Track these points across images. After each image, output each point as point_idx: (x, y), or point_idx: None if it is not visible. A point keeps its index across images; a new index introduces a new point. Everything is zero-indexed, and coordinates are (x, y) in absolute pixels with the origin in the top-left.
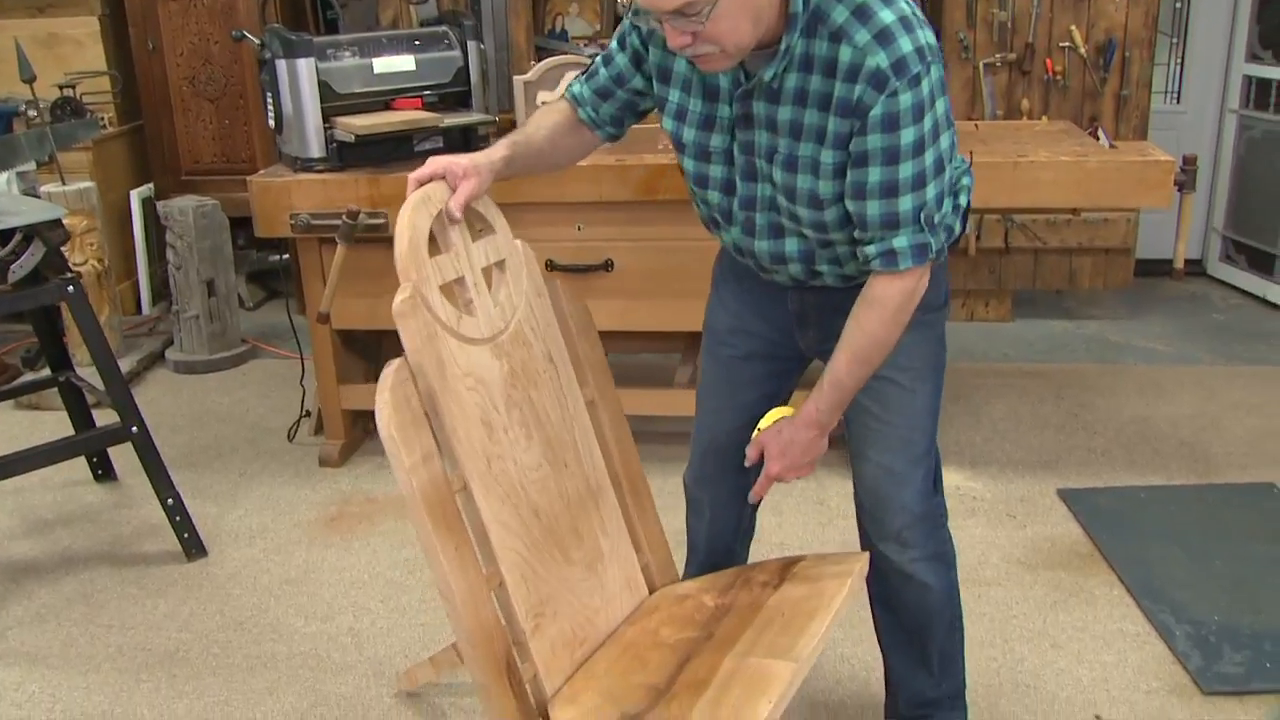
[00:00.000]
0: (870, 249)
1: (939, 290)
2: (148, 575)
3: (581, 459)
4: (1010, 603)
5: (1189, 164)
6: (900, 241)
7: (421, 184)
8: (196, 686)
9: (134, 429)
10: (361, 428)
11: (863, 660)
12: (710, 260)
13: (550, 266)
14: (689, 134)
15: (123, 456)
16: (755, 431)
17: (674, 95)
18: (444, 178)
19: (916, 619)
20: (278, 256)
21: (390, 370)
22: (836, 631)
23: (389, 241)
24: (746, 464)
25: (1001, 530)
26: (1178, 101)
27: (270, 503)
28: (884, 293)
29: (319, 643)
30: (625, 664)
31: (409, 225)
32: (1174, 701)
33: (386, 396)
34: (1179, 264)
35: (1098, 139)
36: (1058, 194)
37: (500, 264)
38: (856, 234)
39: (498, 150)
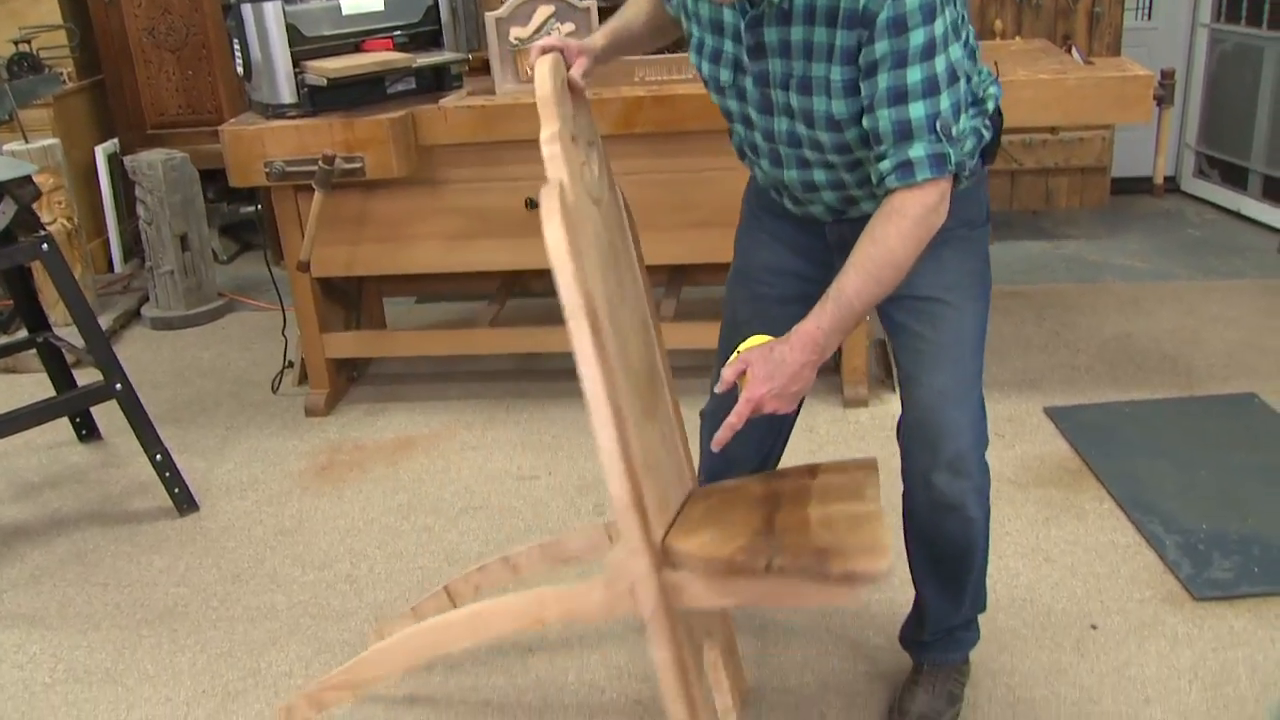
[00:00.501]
0: (885, 164)
1: (980, 205)
2: (140, 532)
3: (650, 338)
4: (1003, 520)
5: (1167, 78)
6: (916, 151)
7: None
8: (198, 640)
9: (118, 386)
10: (345, 376)
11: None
12: (693, 192)
13: (530, 205)
14: (705, 68)
15: (105, 415)
16: (735, 352)
17: (694, 29)
18: (561, 52)
19: (958, 552)
20: (250, 208)
21: (547, 192)
22: None
23: (366, 186)
24: (719, 388)
25: (991, 450)
26: (1149, 17)
27: (259, 455)
28: (901, 204)
29: (318, 591)
30: (718, 515)
31: (551, 73)
32: (1167, 609)
33: (554, 208)
34: (1159, 180)
35: (1073, 56)
36: (1039, 113)
37: (592, 143)
38: (873, 153)
39: (597, 38)
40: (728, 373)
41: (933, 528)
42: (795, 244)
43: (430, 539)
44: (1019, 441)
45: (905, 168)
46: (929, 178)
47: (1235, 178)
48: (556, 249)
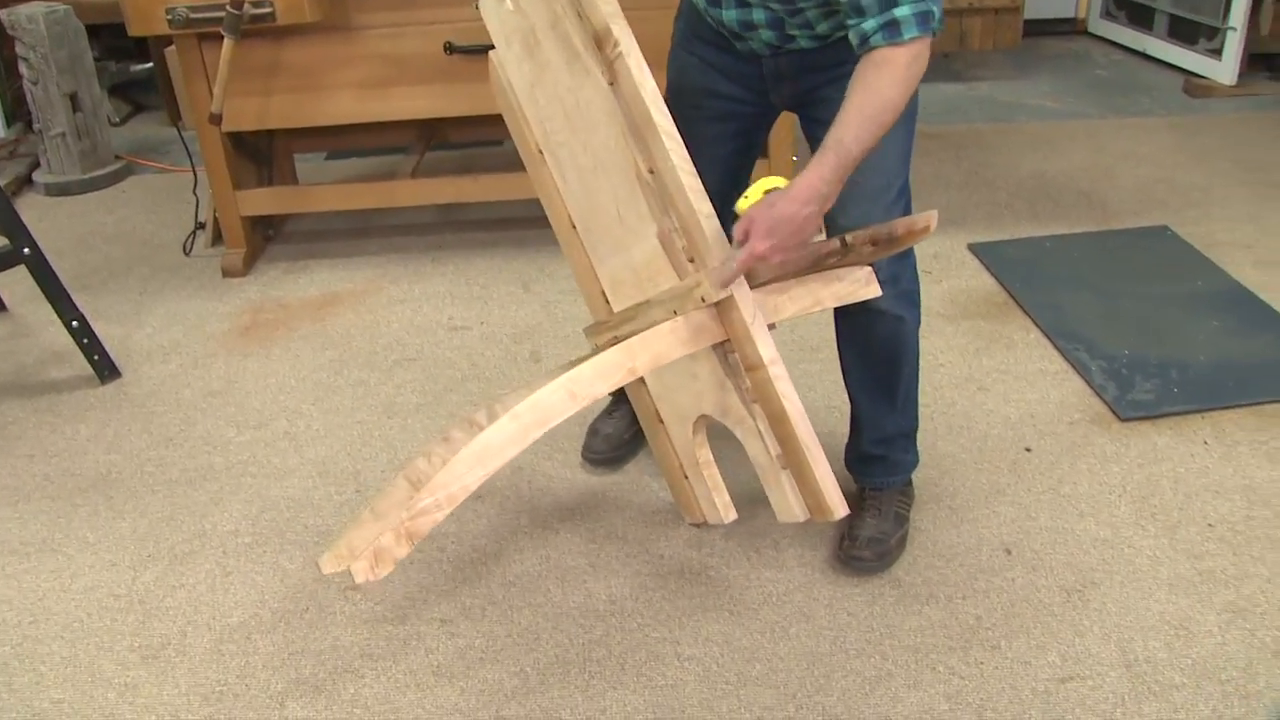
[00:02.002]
0: (869, 23)
1: None
2: (61, 402)
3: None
4: (936, 352)
5: None
6: (902, 10)
7: None
8: (137, 505)
9: (26, 250)
10: (261, 235)
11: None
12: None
13: (449, 50)
14: None
15: (7, 286)
16: (738, 208)
17: None
18: None
19: (888, 354)
20: (142, 66)
21: None
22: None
23: (277, 34)
24: (734, 246)
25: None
26: None
27: (177, 318)
28: (891, 55)
29: (256, 450)
30: None
31: None
32: (1095, 430)
33: None
34: (1083, 13)
35: None
36: None
37: None
38: (850, 20)
39: None
40: (738, 230)
41: (864, 331)
42: (730, 70)
43: (366, 393)
44: (946, 277)
45: (891, 27)
46: (915, 35)
47: (1141, 18)
48: None
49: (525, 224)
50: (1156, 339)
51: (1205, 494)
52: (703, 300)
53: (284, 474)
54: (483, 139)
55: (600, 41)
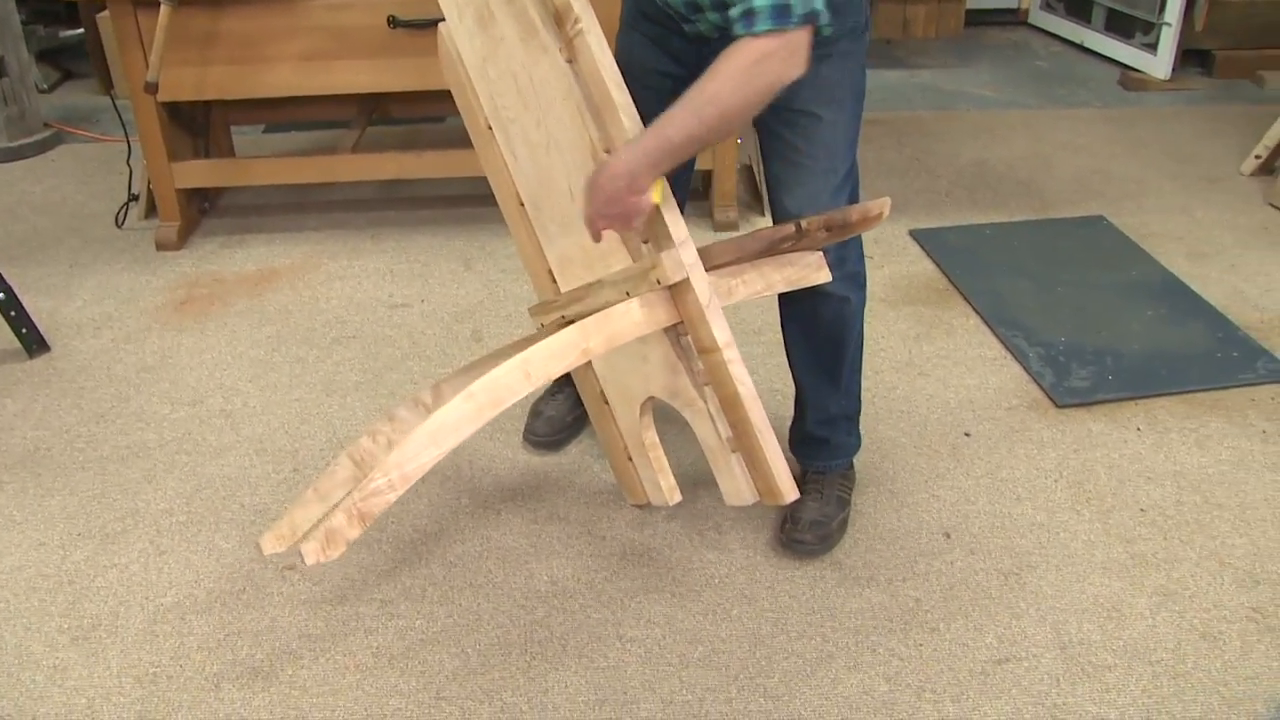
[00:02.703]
0: (734, 10)
1: (858, 14)
2: None
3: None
4: (877, 337)
5: None
6: (759, 0)
7: None
8: (66, 483)
9: None
10: (196, 208)
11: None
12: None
13: (393, 24)
14: None
15: None
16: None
17: None
18: None
19: (833, 334)
20: (72, 31)
21: None
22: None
23: (217, 1)
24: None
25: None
26: None
27: (109, 292)
28: (741, 46)
29: (191, 427)
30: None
31: None
32: (1033, 415)
33: None
34: (1024, 4)
35: None
36: None
37: None
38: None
39: None
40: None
41: (810, 311)
42: (678, 52)
43: (304, 370)
44: (888, 262)
45: (748, 16)
46: (769, 28)
47: (1079, 11)
48: None
49: (467, 201)
50: (1092, 327)
51: (1138, 480)
52: (658, 282)
53: (220, 451)
54: (425, 114)
55: (560, 18)
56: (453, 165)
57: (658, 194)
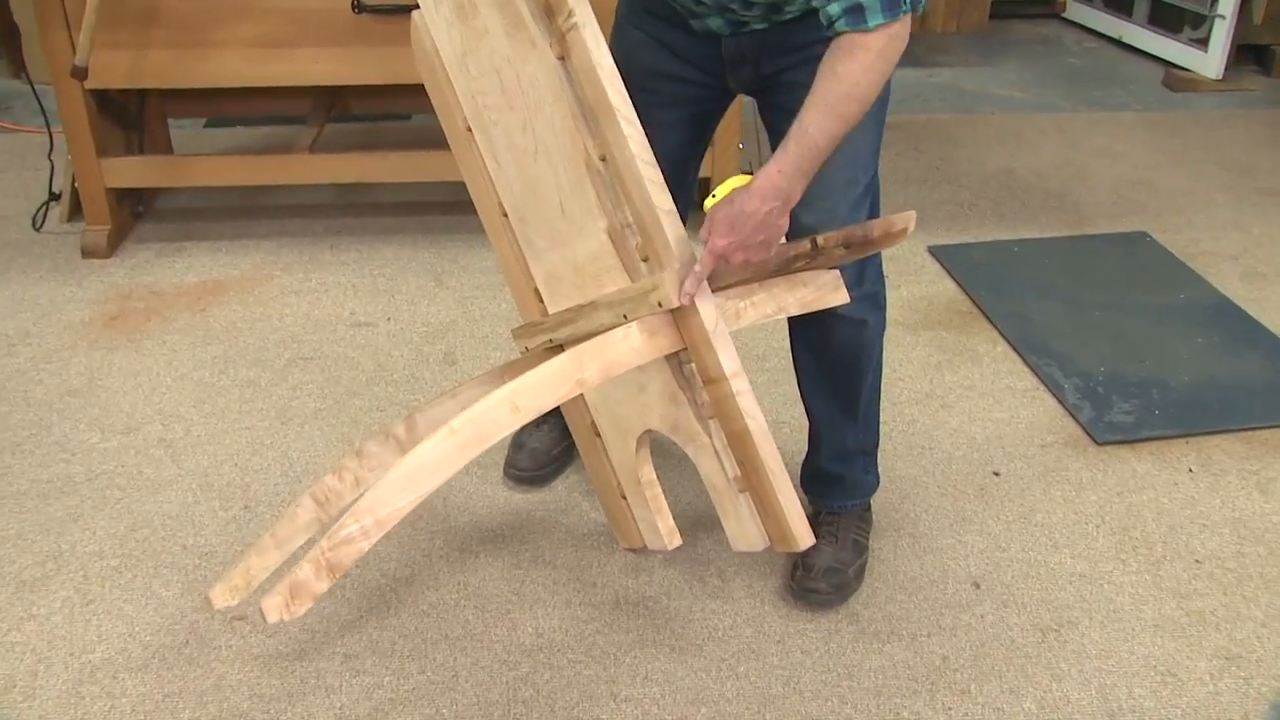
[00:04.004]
0: (833, 8)
1: None
2: None
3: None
4: (894, 365)
5: None
6: None
7: None
8: None
9: None
10: (129, 210)
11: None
12: None
13: (358, 8)
14: None
15: None
16: (706, 207)
17: None
18: None
19: (849, 361)
20: None
21: None
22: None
23: None
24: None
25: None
26: None
27: (27, 304)
28: (859, 40)
29: (125, 458)
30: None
31: None
32: (1069, 454)
33: None
34: None
35: None
36: None
37: None
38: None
39: None
40: (703, 234)
41: (823, 335)
42: (684, 50)
43: (256, 395)
44: (905, 282)
45: (855, 13)
46: (881, 23)
47: (1120, 3)
48: None
49: (438, 209)
50: (1135, 355)
51: (1191, 527)
52: (659, 305)
53: (158, 486)
54: (390, 111)
55: (551, 10)
56: (422, 168)
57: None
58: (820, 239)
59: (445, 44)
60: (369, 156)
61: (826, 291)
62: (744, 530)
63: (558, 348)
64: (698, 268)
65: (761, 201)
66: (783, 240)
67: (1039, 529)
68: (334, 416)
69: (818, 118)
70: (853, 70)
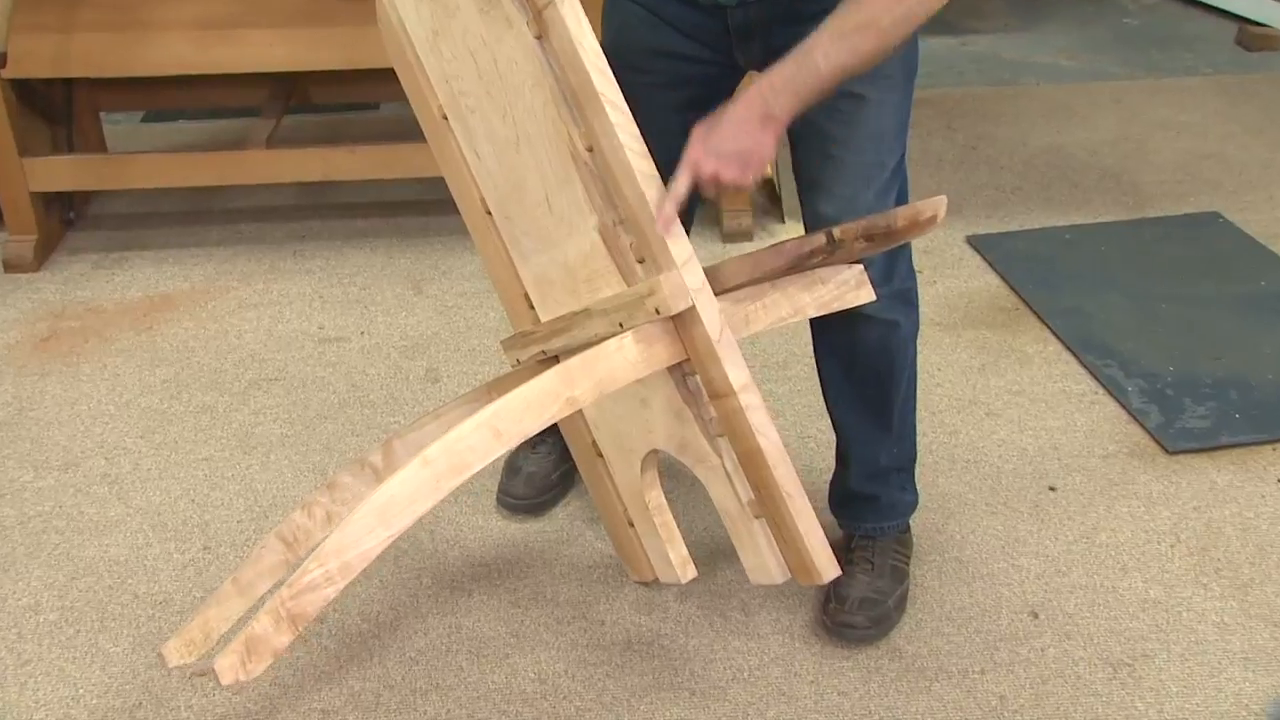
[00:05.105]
0: None
1: None
2: None
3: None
4: (931, 370)
5: None
6: None
7: None
8: None
9: None
10: (59, 216)
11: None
12: None
13: None
14: None
15: None
16: None
17: None
18: None
19: (880, 367)
20: None
21: None
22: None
23: None
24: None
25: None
26: None
27: None
28: None
29: (63, 498)
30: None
31: None
32: (1136, 465)
33: None
34: None
35: None
36: None
37: None
38: None
39: None
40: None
41: (849, 339)
42: (686, 24)
43: (213, 422)
44: (940, 277)
45: None
46: None
47: None
48: None
49: (415, 209)
50: (1209, 352)
51: None
52: (657, 312)
53: (103, 528)
54: (356, 100)
55: None
56: (394, 163)
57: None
58: (837, 231)
59: (414, 22)
60: (334, 151)
61: (849, 289)
62: (760, 561)
63: (553, 359)
64: (674, 186)
65: (745, 109)
66: (765, 168)
67: (1104, 550)
68: (302, 444)
69: (826, 42)
70: (873, 1)
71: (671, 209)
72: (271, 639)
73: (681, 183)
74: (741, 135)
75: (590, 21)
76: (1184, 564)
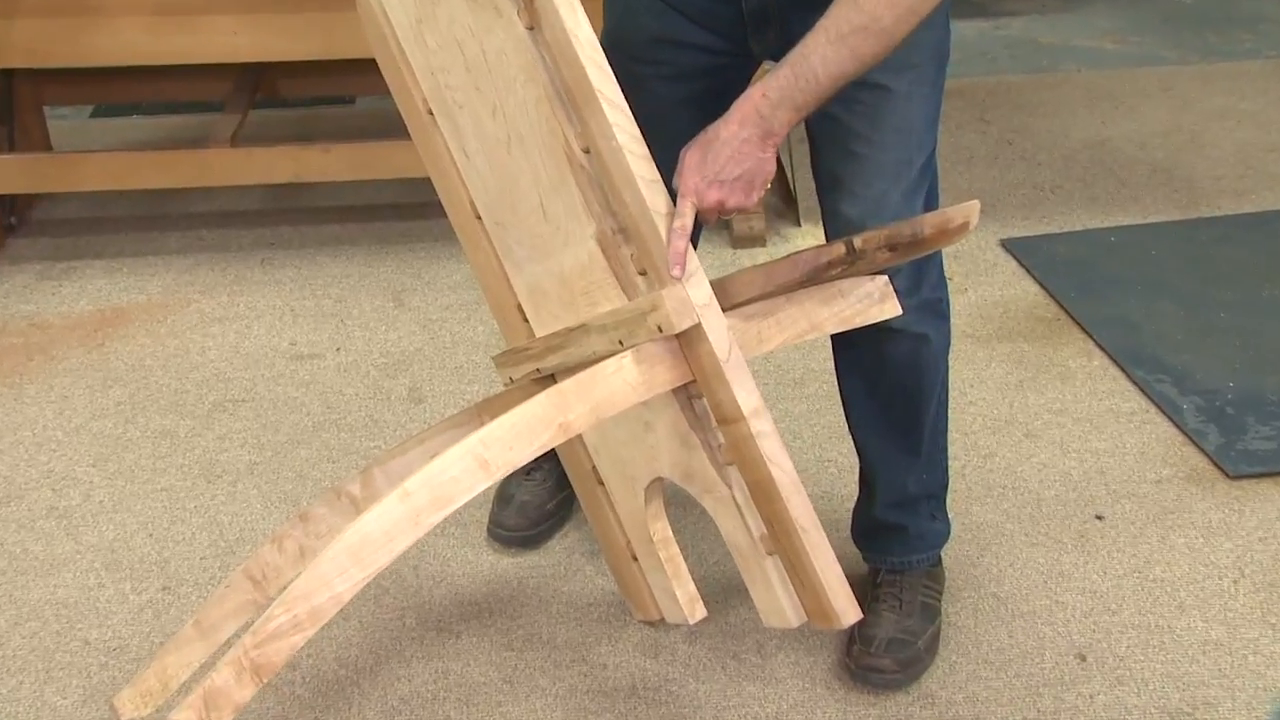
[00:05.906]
0: None
1: None
2: None
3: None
4: (963, 386)
5: None
6: None
7: None
8: None
9: None
10: (0, 221)
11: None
12: None
13: None
14: None
15: None
16: None
17: None
18: None
19: (907, 385)
20: None
21: None
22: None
23: None
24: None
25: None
26: None
27: None
28: None
29: (4, 534)
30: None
31: None
32: (1193, 490)
33: None
34: None
35: None
36: None
37: None
38: None
39: None
40: (676, 181)
41: (874, 354)
42: (696, 11)
43: (174, 448)
44: (972, 285)
45: None
46: None
47: None
48: None
49: (395, 213)
50: (1274, 365)
51: None
52: (660, 330)
53: (50, 567)
54: (330, 94)
55: None
56: (372, 163)
57: None
58: (858, 240)
59: (396, 8)
60: (306, 150)
61: (872, 304)
62: (773, 601)
63: (549, 378)
64: (677, 221)
65: (739, 126)
66: (768, 185)
67: (1158, 585)
68: (273, 471)
69: (823, 46)
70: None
71: (683, 244)
72: (233, 692)
73: (687, 215)
74: (743, 158)
75: (590, 10)
76: (1249, 601)
